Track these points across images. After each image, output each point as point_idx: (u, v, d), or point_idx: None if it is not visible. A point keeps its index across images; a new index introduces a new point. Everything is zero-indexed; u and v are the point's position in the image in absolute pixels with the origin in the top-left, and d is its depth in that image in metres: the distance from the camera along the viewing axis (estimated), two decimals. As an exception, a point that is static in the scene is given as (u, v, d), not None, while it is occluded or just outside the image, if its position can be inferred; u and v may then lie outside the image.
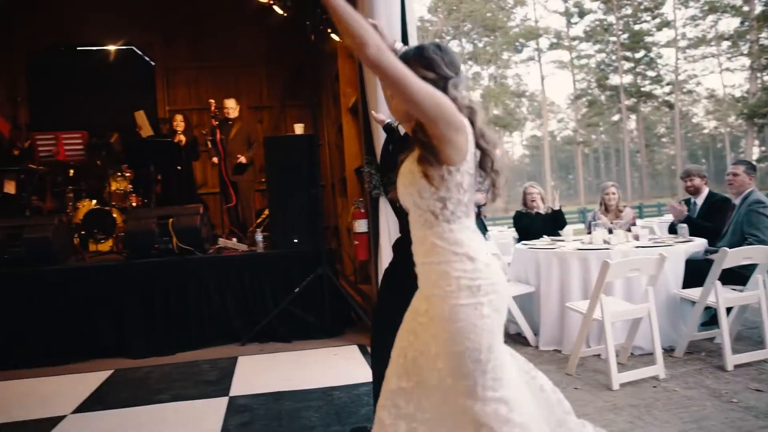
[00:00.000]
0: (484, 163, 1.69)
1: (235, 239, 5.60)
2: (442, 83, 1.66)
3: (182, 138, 6.79)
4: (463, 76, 1.74)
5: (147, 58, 8.66)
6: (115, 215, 6.22)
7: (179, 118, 7.01)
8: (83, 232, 6.07)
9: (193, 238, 5.08)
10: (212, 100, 6.31)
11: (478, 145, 1.66)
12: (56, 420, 3.49)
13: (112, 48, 8.48)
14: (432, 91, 1.53)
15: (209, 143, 6.63)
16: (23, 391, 4.15)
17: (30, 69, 8.24)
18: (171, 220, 5.04)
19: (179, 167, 6.38)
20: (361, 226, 5.02)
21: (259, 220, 6.18)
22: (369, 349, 4.71)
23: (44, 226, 5.06)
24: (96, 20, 8.12)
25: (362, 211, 5.05)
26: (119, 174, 6.49)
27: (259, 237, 5.28)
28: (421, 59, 1.70)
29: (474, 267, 1.64)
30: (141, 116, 6.85)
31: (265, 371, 4.31)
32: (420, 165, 1.62)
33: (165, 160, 6.19)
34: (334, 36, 5.87)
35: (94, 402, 3.83)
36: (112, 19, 8.26)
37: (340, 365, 4.36)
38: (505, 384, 1.63)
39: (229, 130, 6.44)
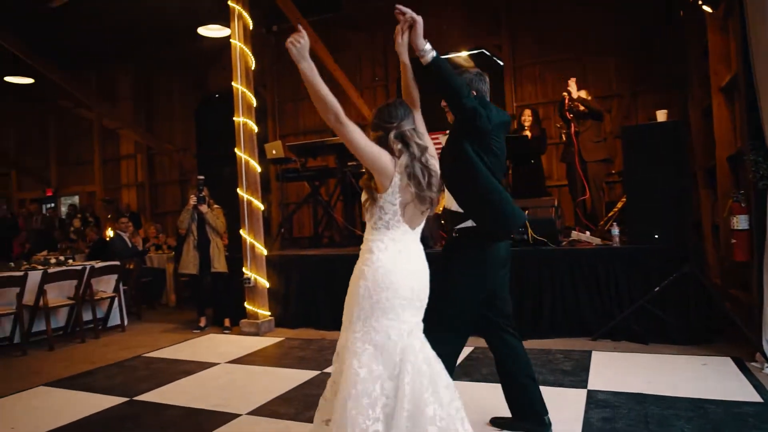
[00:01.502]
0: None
1: (588, 232, 5.50)
2: (385, 134, 2.37)
3: (528, 133, 6.99)
4: (406, 120, 2.41)
5: (496, 59, 9.17)
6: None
7: (527, 112, 7.21)
8: (443, 222, 6.79)
9: (547, 229, 5.19)
10: (566, 93, 6.31)
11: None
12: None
13: (465, 54, 9.25)
14: (373, 152, 2.28)
15: (563, 136, 6.65)
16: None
17: (401, 79, 9.60)
18: (527, 211, 5.23)
19: (533, 161, 6.58)
20: (741, 222, 4.37)
21: (611, 213, 5.94)
22: (747, 364, 4.09)
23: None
24: (451, 31, 9.05)
25: (743, 205, 4.38)
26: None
27: (615, 231, 5.07)
28: (372, 125, 2.45)
29: (369, 257, 2.33)
30: None
31: (622, 370, 4.14)
32: (364, 187, 2.40)
33: (520, 155, 6.46)
34: (705, 8, 5.23)
35: (461, 373, 4.25)
36: (465, 28, 9.08)
37: (711, 377, 3.90)
38: (368, 348, 2.26)
39: (584, 122, 6.34)
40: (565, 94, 6.46)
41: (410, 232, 2.39)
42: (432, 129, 7.85)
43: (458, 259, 2.89)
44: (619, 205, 5.95)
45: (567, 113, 6.44)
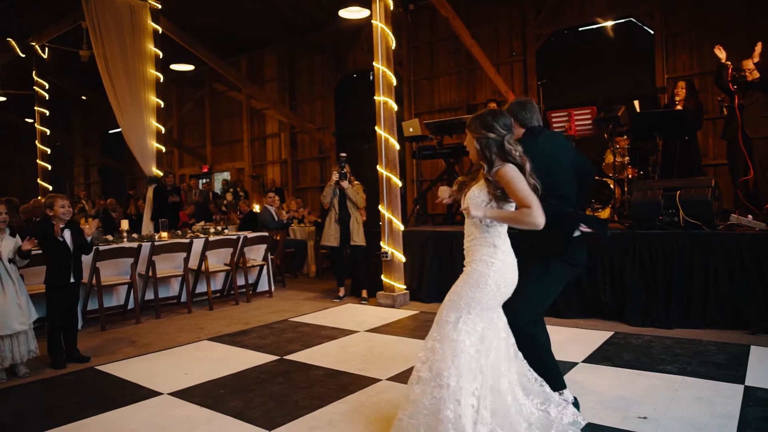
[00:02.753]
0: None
1: (750, 216, 5.01)
2: (500, 138, 2.59)
3: (680, 107, 6.45)
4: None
5: (646, 28, 8.52)
6: (611, 186, 6.45)
7: (681, 85, 6.65)
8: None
9: (701, 211, 4.81)
10: (728, 62, 5.70)
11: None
12: (572, 364, 3.94)
13: (610, 24, 8.70)
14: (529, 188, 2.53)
15: (724, 110, 6.05)
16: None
17: (540, 54, 9.29)
18: (678, 192, 4.89)
19: (686, 137, 6.08)
20: None
21: (779, 196, 5.35)
22: None
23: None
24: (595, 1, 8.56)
25: None
26: (617, 146, 6.65)
27: (783, 215, 4.58)
28: (485, 125, 2.63)
29: (494, 252, 2.60)
30: (636, 105, 6.83)
31: (788, 368, 3.77)
32: (490, 194, 2.61)
33: (671, 131, 5.99)
34: None
35: (601, 357, 4.13)
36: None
37: None
38: (478, 329, 2.54)
39: (751, 93, 5.71)
40: (728, 63, 5.86)
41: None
42: (574, 105, 7.40)
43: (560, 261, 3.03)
44: (791, 186, 5.35)
45: (731, 84, 5.85)
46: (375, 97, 6.32)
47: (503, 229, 2.64)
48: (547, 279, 2.99)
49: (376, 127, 6.32)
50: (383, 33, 6.26)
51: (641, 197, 5.10)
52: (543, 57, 9.28)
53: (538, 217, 2.46)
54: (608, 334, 4.71)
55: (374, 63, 6.31)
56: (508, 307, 2.74)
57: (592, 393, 3.39)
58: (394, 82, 6.36)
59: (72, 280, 4.49)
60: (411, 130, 7.41)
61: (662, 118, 6.01)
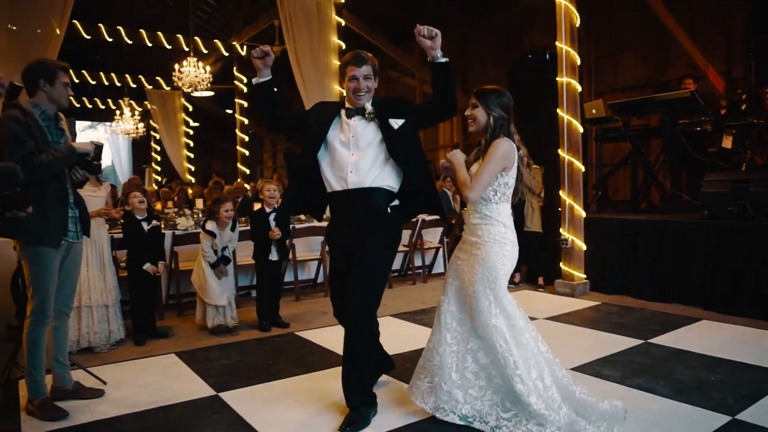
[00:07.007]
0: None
1: None
2: (509, 118, 2.84)
3: None
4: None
5: None
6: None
7: None
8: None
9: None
10: None
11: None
12: None
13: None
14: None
15: None
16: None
17: (751, 18, 8.19)
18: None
19: None
20: None
21: None
22: None
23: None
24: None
25: None
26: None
27: None
28: (499, 105, 2.83)
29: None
30: None
31: None
32: None
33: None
34: None
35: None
36: None
37: None
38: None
39: None
40: None
41: None
42: None
43: (390, 237, 3.09)
44: None
45: None
46: (557, 79, 6.10)
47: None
48: None
49: (558, 110, 6.09)
50: (567, 11, 5.99)
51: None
52: (755, 22, 8.16)
53: (469, 192, 2.70)
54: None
55: (557, 42, 6.08)
56: None
57: None
58: (578, 62, 6.08)
59: (275, 258, 5.06)
60: (594, 111, 7.05)
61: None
